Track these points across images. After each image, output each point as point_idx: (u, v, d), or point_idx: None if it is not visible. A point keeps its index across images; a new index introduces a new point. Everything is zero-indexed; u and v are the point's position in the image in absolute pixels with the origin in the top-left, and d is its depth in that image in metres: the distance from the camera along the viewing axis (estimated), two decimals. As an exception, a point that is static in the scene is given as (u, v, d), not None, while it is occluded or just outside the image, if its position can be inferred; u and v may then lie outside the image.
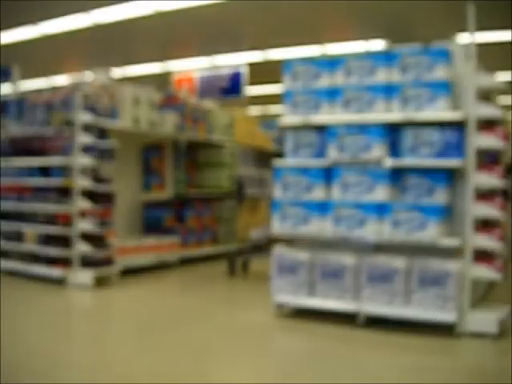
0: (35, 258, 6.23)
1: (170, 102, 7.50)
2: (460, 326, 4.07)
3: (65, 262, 5.95)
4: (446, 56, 4.20)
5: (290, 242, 4.85)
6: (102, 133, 6.03)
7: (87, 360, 3.65)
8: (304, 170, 4.62)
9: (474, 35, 4.17)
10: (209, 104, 8.76)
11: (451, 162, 4.13)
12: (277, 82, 7.00)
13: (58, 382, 3.13)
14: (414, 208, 4.17)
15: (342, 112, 4.50)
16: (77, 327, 4.58)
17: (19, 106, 6.59)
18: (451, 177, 4.26)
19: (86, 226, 5.91)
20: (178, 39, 11.65)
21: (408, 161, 4.27)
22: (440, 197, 4.21)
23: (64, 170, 5.99)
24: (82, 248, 5.92)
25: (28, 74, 12.82)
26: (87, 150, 5.94)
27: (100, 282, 5.88)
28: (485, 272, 4.07)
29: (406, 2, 8.71)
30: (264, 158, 9.36)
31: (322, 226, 4.48)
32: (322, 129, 4.61)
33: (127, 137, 6.86)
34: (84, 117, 5.96)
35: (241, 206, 8.79)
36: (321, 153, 4.62)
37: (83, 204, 5.93)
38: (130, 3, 9.13)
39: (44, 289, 5.74)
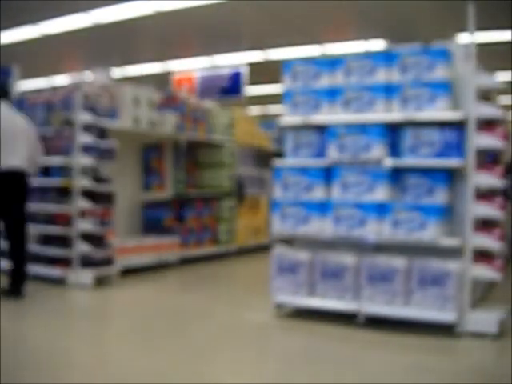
0: (35, 258, 6.23)
1: (170, 102, 7.50)
2: (460, 326, 4.07)
3: (65, 262, 5.95)
4: (446, 56, 4.20)
5: (290, 241, 4.85)
6: (102, 133, 6.03)
7: (87, 360, 3.65)
8: (304, 170, 4.62)
9: (473, 35, 4.17)
10: (209, 104, 8.76)
11: (451, 162, 4.13)
12: (277, 81, 7.01)
13: (58, 382, 3.13)
14: (413, 208, 4.17)
15: (342, 112, 4.50)
16: (77, 327, 4.58)
17: (19, 105, 6.57)
18: (451, 177, 4.26)
19: (86, 225, 5.91)
20: (178, 39, 11.66)
21: (408, 161, 4.27)
22: (440, 197, 4.21)
23: (64, 170, 5.99)
24: (82, 248, 5.92)
25: (28, 74, 12.82)
26: (87, 149, 5.94)
27: (100, 282, 5.88)
28: (485, 272, 4.07)
29: (406, 2, 8.72)
30: (264, 158, 9.38)
31: (321, 226, 4.48)
32: (322, 129, 4.61)
33: (127, 137, 6.86)
34: (84, 117, 5.96)
35: (241, 205, 8.80)
36: (321, 153, 4.62)
37: (83, 204, 5.93)
38: (130, 3, 9.13)
39: (44, 289, 5.73)
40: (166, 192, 7.55)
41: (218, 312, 4.96)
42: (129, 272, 6.43)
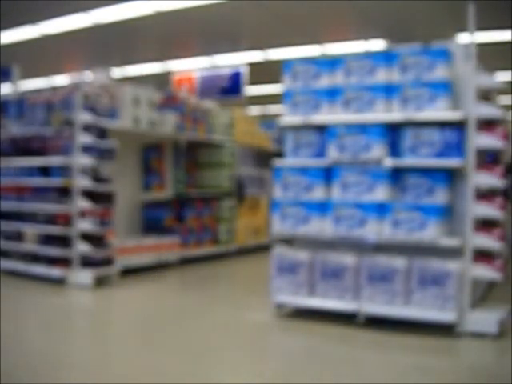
0: (35, 258, 6.24)
1: (170, 102, 7.51)
2: (460, 326, 4.07)
3: (65, 262, 5.95)
4: (446, 56, 4.20)
5: (290, 241, 4.85)
6: (102, 133, 6.03)
7: (87, 360, 3.65)
8: (304, 170, 4.63)
9: (474, 35, 4.17)
10: (209, 104, 8.76)
11: (451, 162, 4.13)
12: (277, 82, 7.01)
13: (58, 382, 3.13)
14: (413, 208, 4.17)
15: (341, 112, 4.50)
16: (77, 327, 4.58)
17: (19, 105, 6.59)
18: (451, 177, 4.26)
19: (86, 225, 5.91)
20: (178, 39, 11.66)
21: (408, 161, 4.27)
22: (440, 197, 4.21)
23: (64, 170, 5.99)
24: (82, 248, 5.92)
25: (28, 74, 12.83)
26: (87, 150, 5.94)
27: (100, 282, 5.89)
28: (485, 272, 4.07)
29: (406, 2, 8.72)
30: (264, 158, 9.38)
31: (321, 226, 4.48)
32: (322, 129, 4.61)
33: (127, 137, 6.86)
34: (84, 117, 5.96)
35: (241, 205, 8.80)
36: (321, 153, 4.62)
37: (83, 204, 5.93)
38: (130, 3, 9.13)
39: (44, 289, 5.74)
40: (165, 192, 7.55)
41: (218, 312, 4.96)
42: (129, 272, 6.43)
